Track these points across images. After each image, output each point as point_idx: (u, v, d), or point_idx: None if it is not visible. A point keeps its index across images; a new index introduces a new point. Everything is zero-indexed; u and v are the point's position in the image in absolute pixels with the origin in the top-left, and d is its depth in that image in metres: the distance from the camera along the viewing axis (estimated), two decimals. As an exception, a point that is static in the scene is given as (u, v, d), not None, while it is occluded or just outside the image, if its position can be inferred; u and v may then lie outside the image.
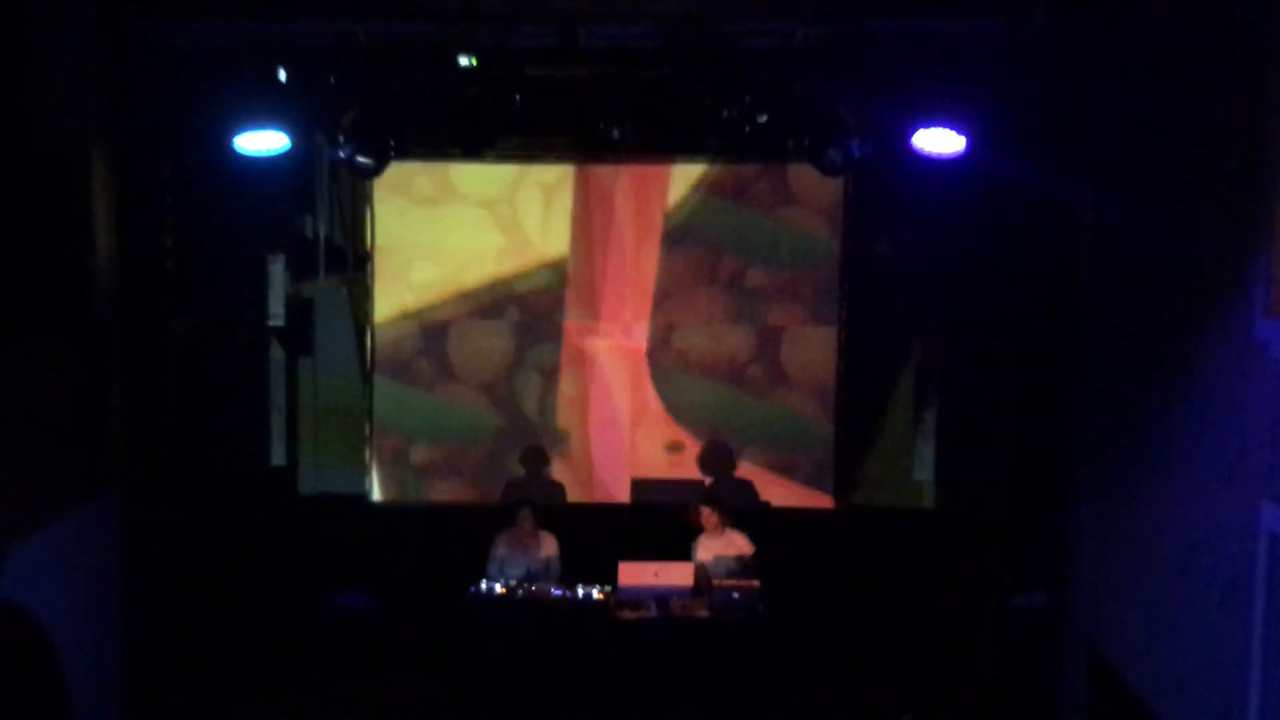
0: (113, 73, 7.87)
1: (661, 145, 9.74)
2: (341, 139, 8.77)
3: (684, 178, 10.26)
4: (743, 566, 8.70)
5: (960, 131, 7.86)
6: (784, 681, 8.44)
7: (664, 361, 10.38)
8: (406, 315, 10.36)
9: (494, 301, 10.36)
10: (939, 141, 7.94)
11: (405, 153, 9.28)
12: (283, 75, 8.15)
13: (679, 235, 10.32)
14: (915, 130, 7.99)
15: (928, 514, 10.13)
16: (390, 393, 10.39)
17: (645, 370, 10.40)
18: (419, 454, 10.41)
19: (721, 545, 8.80)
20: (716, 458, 10.30)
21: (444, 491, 10.39)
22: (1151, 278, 6.92)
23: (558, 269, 10.36)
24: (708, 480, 10.25)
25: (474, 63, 8.02)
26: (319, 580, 9.83)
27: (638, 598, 8.35)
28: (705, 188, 10.26)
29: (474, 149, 9.70)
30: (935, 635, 9.43)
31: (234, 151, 8.28)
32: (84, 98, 7.73)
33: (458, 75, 8.16)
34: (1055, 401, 8.18)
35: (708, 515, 8.81)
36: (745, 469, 10.36)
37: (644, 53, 8.12)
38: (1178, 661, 6.24)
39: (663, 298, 10.36)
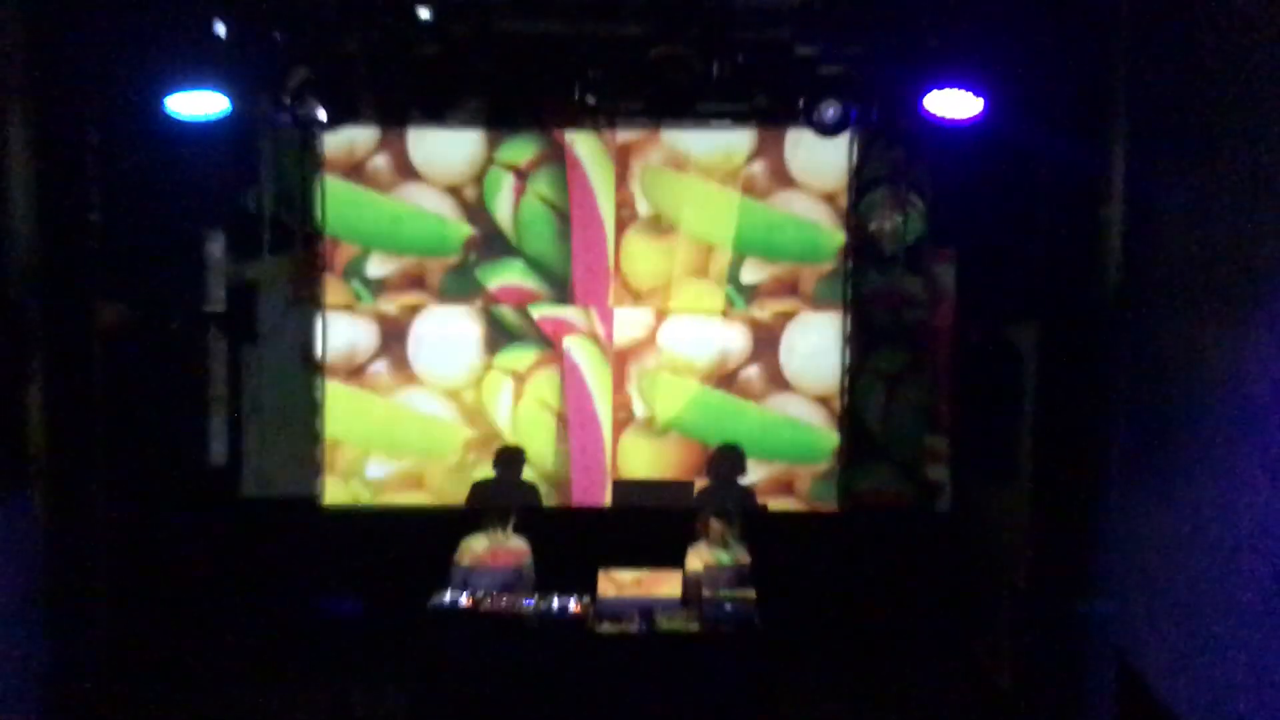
0: (32, 28, 7.85)
1: (645, 110, 9.76)
2: (288, 101, 8.76)
3: (671, 158, 10.29)
4: (738, 577, 8.74)
5: (978, 93, 7.89)
6: (782, 703, 8.48)
7: (649, 363, 10.41)
8: (361, 314, 10.36)
9: (459, 297, 10.37)
10: (954, 105, 7.97)
11: (359, 117, 9.29)
12: (221, 30, 8.11)
13: (665, 223, 10.35)
14: (927, 93, 8.02)
15: (942, 517, 10.19)
16: (344, 399, 10.39)
17: (628, 373, 10.43)
18: (376, 468, 10.42)
19: (717, 554, 8.84)
20: (727, 463, 10.33)
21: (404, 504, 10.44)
22: (1190, 258, 6.96)
23: (530, 260, 10.37)
24: (700, 483, 10.31)
25: (434, 17, 8.03)
26: (263, 590, 9.83)
27: (619, 610, 8.38)
28: (695, 170, 10.30)
29: (435, 113, 9.70)
30: (950, 648, 9.50)
31: (167, 116, 8.24)
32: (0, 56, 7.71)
33: (417, 31, 8.16)
34: (1082, 393, 8.23)
35: (714, 528, 8.87)
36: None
37: (626, 6, 8.14)
38: (1215, 674, 6.29)
39: (647, 292, 10.38)
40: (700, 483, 10.28)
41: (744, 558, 8.85)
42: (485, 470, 10.35)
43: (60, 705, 8.12)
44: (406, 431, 10.41)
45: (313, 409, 10.39)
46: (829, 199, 10.28)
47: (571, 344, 10.40)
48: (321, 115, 8.57)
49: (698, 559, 8.81)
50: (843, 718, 9.01)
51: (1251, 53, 6.27)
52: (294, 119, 8.71)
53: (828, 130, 8.67)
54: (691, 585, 8.58)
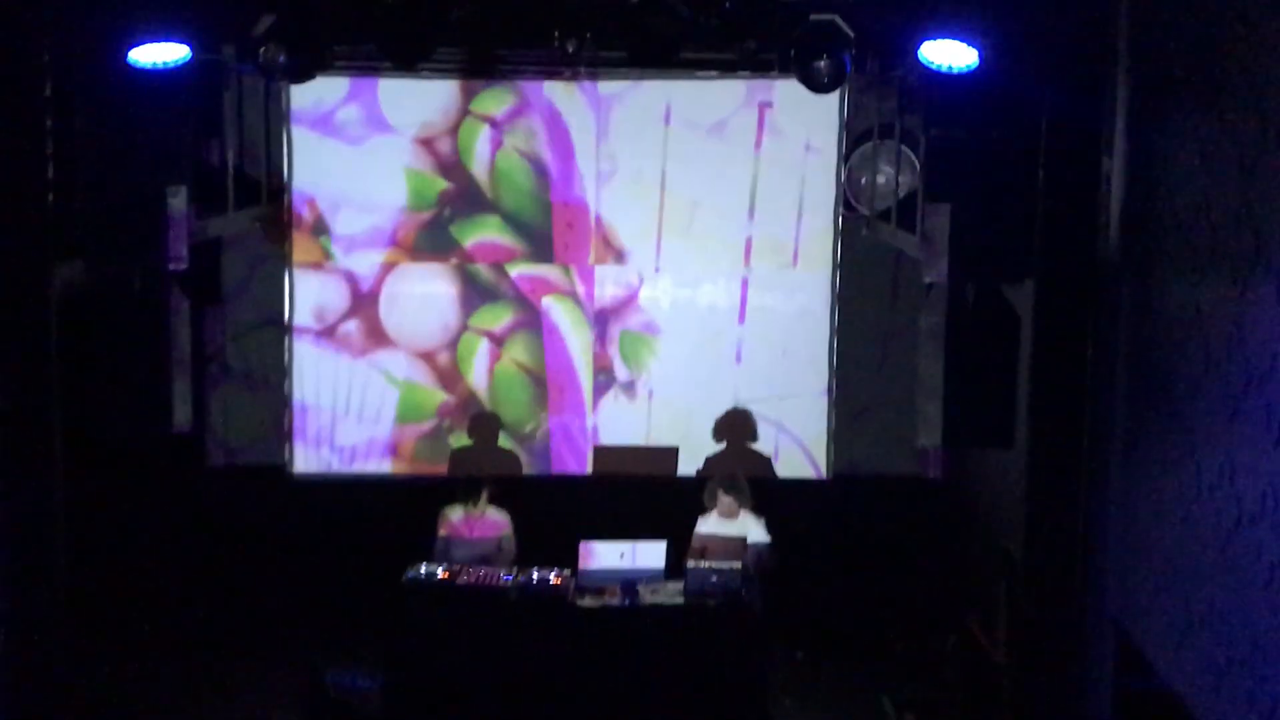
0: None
1: (626, 59, 9.68)
2: (253, 50, 8.64)
3: (652, 109, 10.20)
4: (734, 549, 8.71)
5: (973, 43, 7.82)
6: (769, 677, 8.50)
7: (631, 323, 10.35)
8: (330, 272, 10.27)
9: (433, 254, 10.28)
10: (949, 54, 7.89)
11: (327, 66, 9.18)
12: (183, -25, 8.02)
13: (647, 177, 10.26)
14: (921, 42, 7.95)
15: (935, 484, 10.19)
16: (313, 362, 10.33)
17: (609, 333, 10.38)
18: (346, 433, 10.37)
19: (725, 527, 8.82)
20: (735, 425, 10.33)
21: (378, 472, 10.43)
22: (1194, 215, 6.92)
23: (507, 216, 10.29)
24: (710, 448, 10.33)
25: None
26: (230, 563, 9.82)
27: (601, 582, 8.38)
28: (677, 120, 10.21)
29: (407, 63, 9.58)
30: (943, 621, 9.53)
31: (127, 66, 8.14)
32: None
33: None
34: (1080, 355, 8.21)
35: (724, 501, 8.87)
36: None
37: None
38: (1218, 651, 6.30)
39: (629, 249, 10.31)
40: (710, 448, 10.34)
41: (759, 535, 8.84)
42: (461, 436, 10.33)
43: (15, 681, 8.08)
44: (379, 396, 10.36)
45: (281, 372, 10.33)
46: (818, 151, 10.21)
47: (550, 304, 10.35)
48: (288, 64, 8.48)
49: (706, 530, 8.81)
50: (832, 692, 9.05)
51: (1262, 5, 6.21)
52: (259, 68, 8.61)
53: (823, 86, 8.58)
54: (694, 553, 8.60)
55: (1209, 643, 6.41)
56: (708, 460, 10.29)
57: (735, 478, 9.07)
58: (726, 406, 10.40)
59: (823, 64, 8.21)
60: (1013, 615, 8.80)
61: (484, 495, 8.91)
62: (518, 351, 10.37)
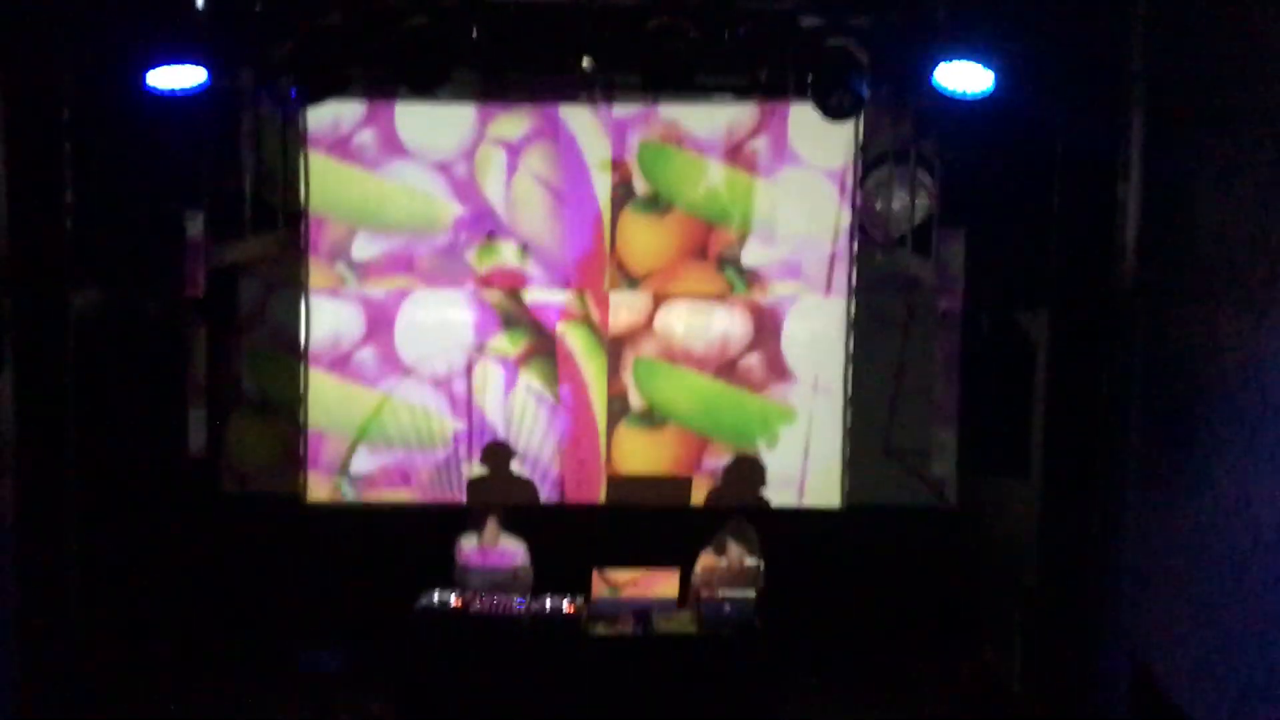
0: (-1, -1, 7.81)
1: (643, 83, 9.72)
2: (271, 75, 8.70)
3: (669, 133, 10.25)
4: (739, 578, 8.72)
5: (989, 67, 7.85)
6: (783, 707, 8.48)
7: (645, 350, 10.38)
8: (346, 298, 10.33)
9: (448, 280, 10.34)
10: (964, 78, 7.93)
11: (345, 92, 9.25)
12: (200, 1, 8.08)
13: (664, 203, 10.31)
14: (936, 66, 7.98)
15: (949, 513, 10.17)
16: (328, 389, 10.37)
17: (623, 360, 10.40)
18: (361, 461, 10.41)
19: (728, 567, 8.84)
20: (746, 474, 10.35)
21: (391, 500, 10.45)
22: (1209, 241, 6.93)
23: (523, 242, 10.33)
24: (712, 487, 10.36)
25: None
26: (242, 590, 9.84)
27: (614, 611, 8.37)
28: (695, 147, 10.25)
29: (423, 87, 9.65)
30: (958, 650, 9.50)
31: (143, 91, 8.20)
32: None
33: (404, 0, 8.13)
34: (1095, 383, 8.21)
35: (733, 552, 8.87)
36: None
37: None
38: (1233, 680, 6.29)
39: (644, 275, 10.35)
40: (709, 486, 10.34)
41: (755, 577, 8.83)
42: (475, 465, 10.34)
43: (30, 708, 8.12)
44: (393, 423, 10.39)
45: (296, 399, 10.37)
46: (834, 177, 10.24)
47: (565, 330, 10.38)
48: (305, 90, 8.52)
49: (708, 570, 8.81)
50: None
51: (1276, 24, 6.22)
52: (276, 94, 8.67)
53: (839, 114, 8.61)
54: (696, 591, 8.59)
55: (1225, 670, 6.40)
56: (710, 496, 10.29)
57: (745, 529, 9.08)
58: (741, 434, 10.39)
59: (839, 93, 8.24)
60: (1028, 643, 8.79)
61: (490, 524, 8.90)
62: (533, 379, 10.39)
